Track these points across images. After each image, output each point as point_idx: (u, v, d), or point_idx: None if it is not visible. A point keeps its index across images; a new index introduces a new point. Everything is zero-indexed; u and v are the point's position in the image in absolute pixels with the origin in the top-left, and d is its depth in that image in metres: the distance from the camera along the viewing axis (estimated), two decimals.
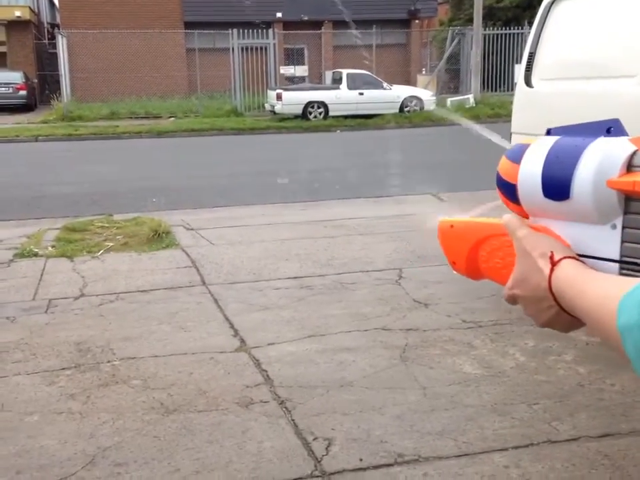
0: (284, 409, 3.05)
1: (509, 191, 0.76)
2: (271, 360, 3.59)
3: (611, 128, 0.72)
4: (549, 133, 0.75)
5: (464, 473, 2.54)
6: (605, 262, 0.70)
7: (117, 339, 3.92)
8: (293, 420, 2.96)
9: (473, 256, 0.82)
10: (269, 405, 3.10)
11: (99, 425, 2.95)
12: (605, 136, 0.71)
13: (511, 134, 5.19)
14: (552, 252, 0.72)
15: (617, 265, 0.70)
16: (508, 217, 0.78)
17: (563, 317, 0.72)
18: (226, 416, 3.01)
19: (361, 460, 2.63)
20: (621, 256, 0.69)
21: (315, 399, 3.15)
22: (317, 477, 2.55)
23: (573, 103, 4.50)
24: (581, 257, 0.72)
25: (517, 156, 0.75)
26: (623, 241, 0.69)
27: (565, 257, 0.72)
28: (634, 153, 0.68)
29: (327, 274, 5.14)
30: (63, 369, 3.53)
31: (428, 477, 2.52)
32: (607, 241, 0.70)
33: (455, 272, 0.86)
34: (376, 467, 2.59)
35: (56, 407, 3.13)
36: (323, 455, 2.67)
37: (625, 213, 0.69)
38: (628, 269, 0.69)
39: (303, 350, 3.72)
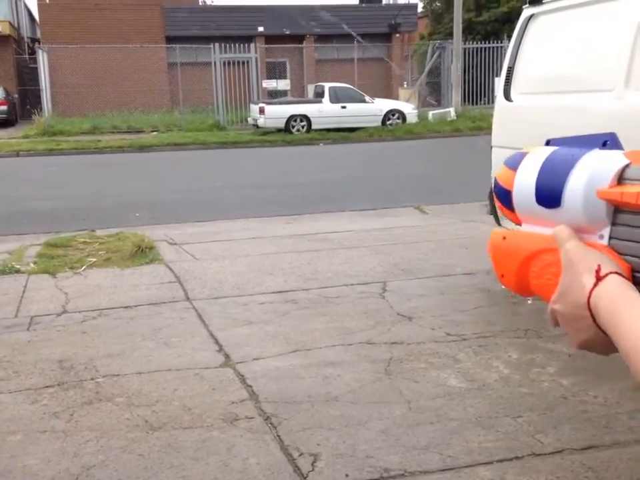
0: (269, 425, 3.05)
1: (505, 197, 0.78)
2: (256, 375, 3.58)
3: (607, 141, 0.74)
4: (548, 143, 0.77)
5: None
6: None
7: (100, 356, 3.89)
8: (278, 436, 2.95)
9: (524, 270, 0.79)
10: (254, 421, 3.09)
11: (83, 443, 2.93)
12: (600, 149, 0.73)
13: (491, 147, 5.25)
14: (599, 265, 0.68)
15: None
16: (558, 228, 0.74)
17: (601, 337, 0.68)
18: (211, 432, 2.99)
19: (347, 475, 2.63)
20: None
21: (301, 414, 3.15)
22: None
23: (551, 117, 4.57)
24: None
25: (514, 163, 0.77)
26: None
27: (612, 272, 0.67)
28: (626, 166, 0.70)
29: (311, 288, 5.14)
30: (46, 386, 3.50)
31: None
32: None
33: (502, 286, 0.83)
34: None
35: (39, 425, 3.09)
36: (309, 471, 2.67)
37: (613, 224, 0.70)
38: None
39: (288, 365, 3.72)
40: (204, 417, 3.13)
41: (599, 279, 0.67)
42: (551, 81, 4.75)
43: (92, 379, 3.58)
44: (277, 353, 3.89)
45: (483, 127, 17.62)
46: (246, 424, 3.06)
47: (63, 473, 2.70)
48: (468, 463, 2.70)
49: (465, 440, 2.87)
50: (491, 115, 5.47)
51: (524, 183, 0.74)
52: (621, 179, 0.69)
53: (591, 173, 0.70)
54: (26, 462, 2.79)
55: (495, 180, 0.80)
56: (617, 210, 0.70)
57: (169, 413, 3.18)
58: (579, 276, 0.69)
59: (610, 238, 0.71)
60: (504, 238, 0.80)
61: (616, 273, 0.67)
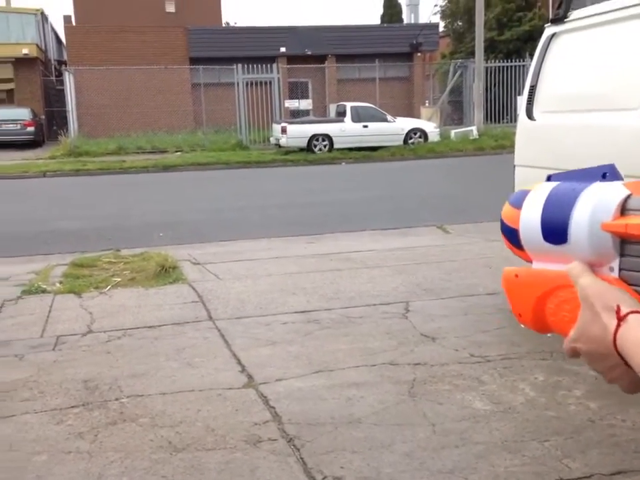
0: (292, 447, 3.03)
1: (512, 236, 0.78)
2: (279, 396, 3.58)
3: (606, 173, 0.74)
4: (549, 179, 0.77)
5: None
6: None
7: (125, 376, 3.91)
8: (301, 458, 2.93)
9: (540, 308, 0.79)
10: (277, 443, 3.08)
11: (107, 464, 2.94)
12: (600, 181, 0.73)
13: (514, 166, 5.22)
14: (618, 305, 0.67)
15: None
16: (572, 264, 0.73)
17: (631, 375, 0.67)
18: (234, 454, 2.99)
19: None
20: None
21: (324, 436, 3.13)
22: None
23: (574, 136, 4.55)
24: None
25: (518, 201, 0.77)
26: None
27: (632, 312, 0.67)
28: (627, 197, 0.69)
29: (333, 308, 5.14)
30: (71, 407, 3.52)
31: None
32: None
33: (521, 325, 0.83)
34: None
35: (64, 446, 3.11)
36: None
37: (621, 255, 0.70)
38: None
39: (311, 386, 3.71)
40: (227, 438, 3.13)
41: (620, 319, 0.67)
42: (573, 100, 4.73)
43: (116, 399, 3.60)
44: (300, 374, 3.88)
45: (505, 146, 17.58)
46: (269, 446, 3.05)
47: None
48: None
49: (491, 464, 2.83)
50: (514, 133, 5.45)
51: (530, 221, 0.75)
52: (623, 210, 0.69)
53: (594, 207, 0.70)
54: None
55: (501, 219, 0.80)
56: (624, 241, 0.69)
57: (192, 434, 3.18)
58: (599, 315, 0.68)
59: (620, 270, 0.70)
60: (516, 276, 0.80)
61: (636, 311, 0.66)
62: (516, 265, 0.82)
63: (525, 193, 0.77)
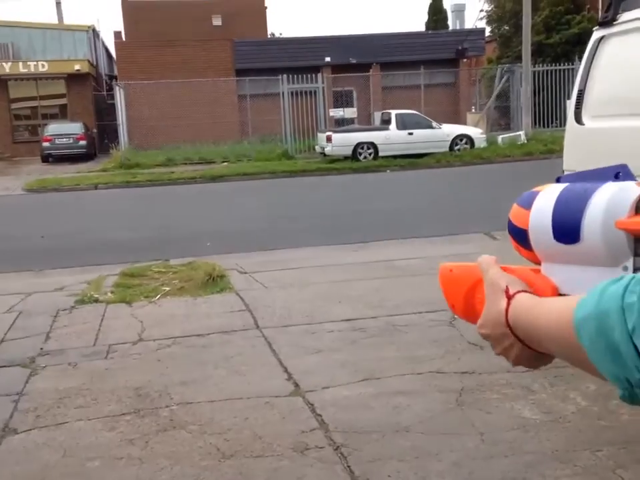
0: (339, 455, 3.04)
1: (520, 236, 0.79)
2: (325, 404, 3.59)
3: (619, 173, 0.73)
4: (558, 180, 0.77)
5: None
6: None
7: (174, 384, 3.98)
8: (349, 466, 2.94)
9: (470, 298, 0.84)
10: (324, 451, 3.09)
11: (158, 470, 2.99)
12: (613, 181, 0.72)
13: (563, 171, 5.14)
14: (507, 286, 0.75)
15: None
16: (482, 258, 0.81)
17: (527, 352, 0.74)
18: (282, 462, 3.01)
19: None
20: None
21: (371, 444, 3.13)
22: None
23: (623, 140, 4.45)
24: None
25: (527, 202, 0.78)
26: None
27: (519, 291, 0.75)
28: None
29: (379, 316, 5.13)
30: (123, 414, 3.60)
31: None
32: None
33: (454, 315, 0.89)
34: None
35: (116, 452, 3.19)
36: None
37: (636, 254, 0.69)
38: None
39: (358, 394, 3.71)
40: (274, 445, 3.16)
41: (509, 298, 0.74)
42: (623, 104, 4.63)
43: (166, 407, 3.66)
44: (346, 382, 3.88)
45: (554, 150, 17.25)
46: (316, 453, 3.06)
47: None
48: None
49: (541, 474, 2.78)
50: (563, 138, 5.36)
51: (539, 221, 0.75)
52: (638, 209, 0.68)
53: (608, 205, 0.69)
54: None
55: (509, 219, 0.80)
56: (639, 240, 0.69)
57: (240, 441, 3.22)
58: (495, 301, 0.76)
59: (635, 269, 0.70)
60: (450, 270, 0.86)
61: (524, 291, 0.75)
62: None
63: (534, 194, 0.78)
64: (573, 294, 0.72)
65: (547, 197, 0.75)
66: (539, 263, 0.80)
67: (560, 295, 0.75)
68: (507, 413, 3.38)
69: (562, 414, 3.33)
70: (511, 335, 0.74)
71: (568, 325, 0.64)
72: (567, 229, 0.72)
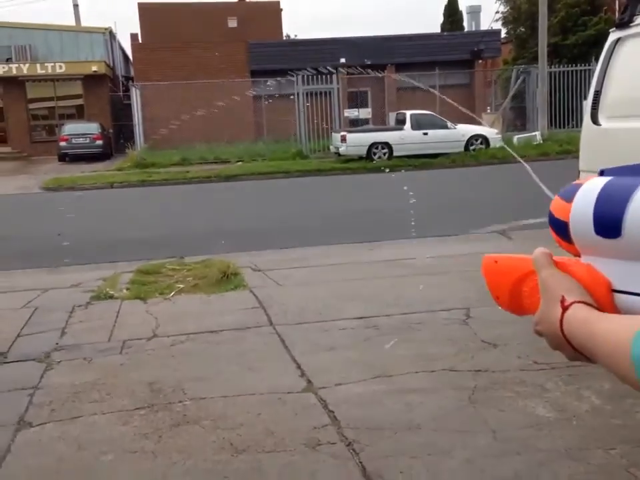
0: (351, 451, 3.04)
1: (560, 229, 0.79)
2: (338, 401, 3.59)
3: None
4: (602, 173, 0.77)
5: None
6: None
7: (188, 379, 4.00)
8: (361, 462, 2.94)
9: (516, 291, 0.84)
10: (336, 447, 3.09)
11: (171, 464, 3.01)
12: None
13: (579, 172, 5.11)
14: (563, 296, 0.75)
15: None
16: (537, 253, 0.80)
17: (583, 356, 0.74)
18: (294, 457, 3.02)
19: None
20: None
21: (383, 441, 3.13)
22: None
23: (639, 141, 4.42)
24: (633, 294, 0.73)
25: (569, 195, 0.77)
26: None
27: (575, 302, 0.74)
28: None
29: (393, 314, 5.12)
30: (137, 408, 3.63)
31: None
32: None
33: (499, 307, 0.88)
34: None
35: (130, 446, 3.21)
36: None
37: None
38: None
39: (370, 391, 3.71)
40: (287, 441, 3.16)
41: (564, 309, 0.74)
42: (639, 105, 4.60)
43: (180, 402, 3.68)
44: (359, 379, 3.88)
45: (570, 151, 17.14)
46: (328, 449, 3.07)
47: None
48: None
49: (554, 472, 2.77)
50: (579, 138, 5.33)
51: (581, 215, 0.75)
52: None
53: None
54: None
55: (550, 212, 0.80)
56: None
57: (253, 436, 3.23)
58: (552, 305, 0.76)
59: None
60: (495, 262, 0.85)
61: (580, 301, 0.74)
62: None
63: (577, 186, 0.77)
64: (625, 288, 0.73)
65: (590, 189, 0.75)
66: (578, 256, 0.80)
67: (614, 291, 0.75)
68: (520, 410, 3.37)
69: (575, 412, 3.31)
70: (565, 342, 0.75)
71: (625, 356, 0.65)
72: (608, 223, 0.72)
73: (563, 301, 0.74)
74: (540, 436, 3.09)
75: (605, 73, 4.90)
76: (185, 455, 3.08)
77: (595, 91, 5.00)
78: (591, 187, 0.75)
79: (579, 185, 0.77)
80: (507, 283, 0.84)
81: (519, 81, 24.54)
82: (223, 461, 3.01)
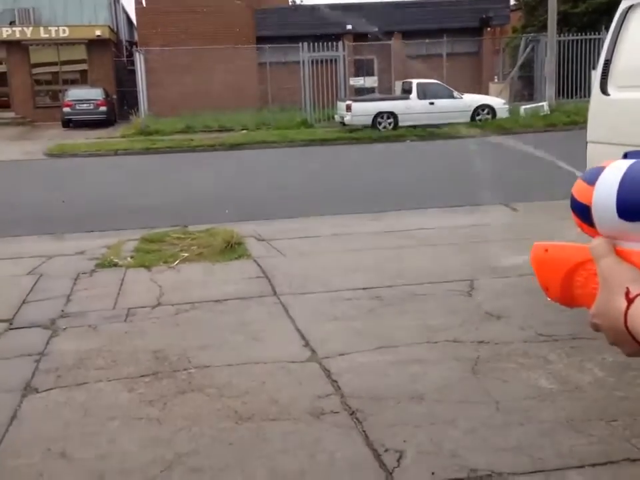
0: (355, 420, 3.07)
1: (583, 212, 0.77)
2: (341, 370, 3.62)
3: None
4: (625, 156, 0.75)
5: None
6: None
7: (193, 348, 4.03)
8: (364, 431, 2.97)
9: (568, 282, 0.79)
10: (339, 416, 3.12)
11: (176, 431, 3.05)
12: None
13: (586, 142, 5.06)
14: (627, 288, 0.71)
15: None
16: (595, 242, 0.76)
17: None
18: (298, 425, 3.05)
19: (433, 474, 2.62)
20: None
21: (386, 410, 3.15)
22: None
23: None
24: None
25: (592, 178, 0.76)
26: None
27: None
28: None
29: (396, 285, 5.13)
30: (142, 376, 3.66)
31: None
32: None
33: (548, 299, 0.83)
34: None
35: (135, 412, 3.24)
36: (395, 467, 2.67)
37: None
38: None
39: (374, 361, 3.73)
40: (291, 409, 3.19)
41: (629, 301, 0.70)
42: None
43: (184, 370, 3.71)
44: (363, 349, 3.90)
45: (578, 122, 16.99)
46: (332, 418, 3.10)
47: (158, 459, 2.82)
48: (559, 466, 2.63)
49: (556, 442, 2.79)
50: (587, 109, 5.27)
51: (604, 198, 0.73)
52: None
53: None
54: (123, 447, 2.93)
55: (572, 195, 0.78)
56: None
57: (257, 404, 3.26)
58: (613, 296, 0.72)
59: None
60: (546, 250, 0.81)
61: None
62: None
63: (599, 170, 0.76)
64: None
65: (613, 173, 0.73)
66: None
67: None
68: (523, 382, 3.39)
69: (578, 384, 3.33)
70: (630, 338, 0.71)
71: None
72: (631, 206, 0.71)
73: (627, 293, 0.71)
74: (542, 407, 3.11)
75: (616, 41, 4.82)
76: (190, 422, 3.12)
77: (605, 60, 4.93)
78: (614, 170, 0.74)
79: (602, 168, 0.75)
80: (559, 272, 0.80)
81: (528, 50, 24.21)
82: (227, 429, 3.04)
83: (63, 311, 4.82)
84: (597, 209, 0.75)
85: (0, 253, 6.73)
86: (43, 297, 5.17)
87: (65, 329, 4.46)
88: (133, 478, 2.69)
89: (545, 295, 0.83)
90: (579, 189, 0.77)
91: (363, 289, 5.06)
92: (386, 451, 2.79)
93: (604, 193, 0.73)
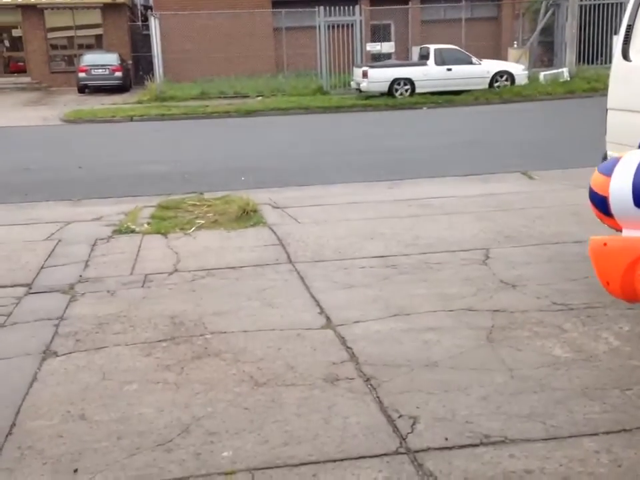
0: (369, 386, 3.10)
1: (601, 203, 0.76)
2: (356, 338, 3.64)
3: None
4: None
5: (552, 457, 2.51)
6: None
7: (209, 314, 4.07)
8: (378, 397, 3.00)
9: (630, 275, 0.78)
10: (354, 382, 3.15)
11: (193, 395, 3.09)
12: None
13: (606, 110, 4.98)
14: None
15: None
16: None
17: None
18: (312, 391, 3.08)
19: (446, 439, 2.65)
20: None
21: (400, 377, 3.18)
22: (402, 453, 2.58)
23: None
24: None
25: (608, 169, 0.75)
26: None
27: None
28: None
29: (412, 253, 5.13)
30: (159, 340, 3.71)
31: (514, 459, 2.51)
32: None
33: (610, 294, 0.81)
34: (461, 447, 2.60)
35: (153, 376, 3.29)
36: (408, 433, 2.71)
37: None
38: None
39: (388, 329, 3.75)
40: (306, 375, 3.23)
41: None
42: None
43: (201, 335, 3.76)
44: (377, 317, 3.92)
45: (598, 88, 16.72)
46: (346, 384, 3.13)
47: (175, 422, 2.87)
48: (572, 433, 2.65)
49: (569, 410, 2.81)
50: (608, 75, 5.18)
51: (620, 188, 0.72)
52: None
53: None
54: (141, 410, 2.98)
55: (590, 187, 0.77)
56: None
57: (272, 370, 3.30)
58: None
59: None
60: (605, 244, 0.79)
61: None
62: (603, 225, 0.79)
63: (615, 161, 0.75)
64: None
65: (628, 162, 0.73)
66: (620, 230, 0.77)
67: None
68: (537, 350, 3.40)
69: (593, 353, 3.33)
70: None
71: None
72: None
73: None
74: (557, 375, 3.12)
75: (639, 6, 4.72)
76: (206, 387, 3.16)
77: (628, 25, 4.82)
78: (629, 160, 0.73)
79: (618, 159, 0.75)
80: (618, 267, 0.78)
81: (548, 14, 23.70)
82: (243, 393, 3.09)
83: (81, 276, 4.88)
84: (613, 199, 0.74)
85: (18, 218, 6.79)
86: (61, 263, 5.23)
87: (83, 294, 4.52)
88: (151, 440, 2.74)
89: (606, 290, 0.80)
90: (596, 180, 0.77)
91: (378, 257, 5.07)
92: (400, 416, 2.83)
93: (620, 183, 0.73)
